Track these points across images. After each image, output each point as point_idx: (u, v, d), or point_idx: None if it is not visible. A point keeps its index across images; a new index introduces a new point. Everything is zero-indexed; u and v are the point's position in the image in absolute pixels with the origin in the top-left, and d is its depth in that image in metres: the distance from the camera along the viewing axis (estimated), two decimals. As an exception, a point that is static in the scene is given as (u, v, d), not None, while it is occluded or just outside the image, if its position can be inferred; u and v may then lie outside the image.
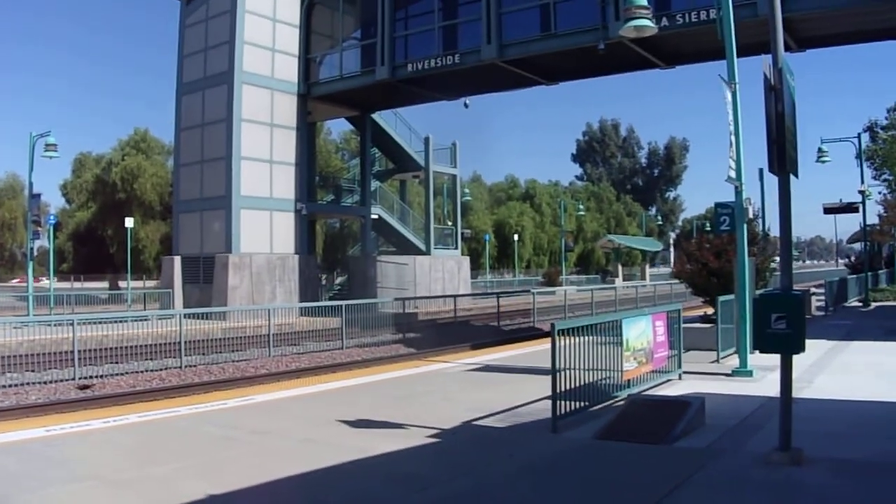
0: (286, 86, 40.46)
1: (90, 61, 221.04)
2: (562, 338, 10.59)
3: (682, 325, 15.31)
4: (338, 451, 9.58)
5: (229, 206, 37.71)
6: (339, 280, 53.87)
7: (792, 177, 8.94)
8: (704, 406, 10.63)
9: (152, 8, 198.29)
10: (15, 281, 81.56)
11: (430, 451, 9.84)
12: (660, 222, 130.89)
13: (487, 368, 18.03)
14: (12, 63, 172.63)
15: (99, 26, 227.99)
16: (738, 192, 15.11)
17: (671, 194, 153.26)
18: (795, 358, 8.64)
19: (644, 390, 12.82)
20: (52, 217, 51.73)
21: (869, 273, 40.75)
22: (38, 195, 40.67)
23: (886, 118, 51.75)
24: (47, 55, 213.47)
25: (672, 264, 71.17)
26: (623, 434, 9.88)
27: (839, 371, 15.50)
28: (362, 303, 33.14)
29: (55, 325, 26.48)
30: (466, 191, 72.14)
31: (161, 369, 24.03)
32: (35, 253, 42.33)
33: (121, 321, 28.08)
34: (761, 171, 34.19)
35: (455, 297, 40.31)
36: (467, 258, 57.01)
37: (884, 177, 51.37)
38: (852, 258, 62.15)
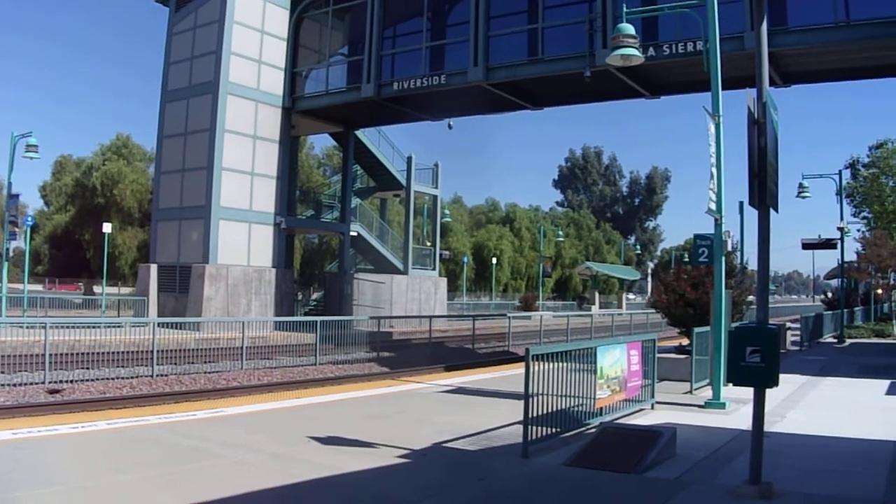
0: (271, 98, 40.41)
1: (79, 54, 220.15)
2: (536, 363, 10.58)
3: (657, 355, 15.33)
4: (307, 468, 9.51)
5: (208, 216, 37.57)
6: (315, 296, 53.74)
7: (771, 211, 8.97)
8: (676, 437, 10.62)
9: (146, 5, 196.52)
10: None
11: (400, 471, 9.79)
12: (638, 251, 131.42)
13: (460, 391, 17.99)
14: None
15: (90, 19, 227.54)
16: (718, 225, 15.16)
17: (651, 224, 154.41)
18: (769, 392, 8.66)
19: (616, 419, 12.81)
20: (29, 218, 51.28)
21: (845, 310, 40.93)
22: (17, 196, 40.42)
23: (868, 156, 52.21)
24: (33, 45, 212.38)
25: (649, 293, 71.32)
26: (593, 462, 9.85)
27: (812, 406, 15.53)
28: (337, 319, 32.97)
29: (27, 327, 26.24)
30: (447, 212, 72.24)
31: (132, 377, 23.85)
32: (10, 254, 41.99)
33: (94, 327, 27.86)
34: (741, 203, 34.37)
35: (431, 317, 40.19)
36: (444, 279, 56.96)
37: (863, 214, 51.79)
38: (829, 294, 62.47)
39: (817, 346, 33.62)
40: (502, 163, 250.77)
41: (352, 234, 46.88)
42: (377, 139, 48.82)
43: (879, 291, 55.56)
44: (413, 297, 49.60)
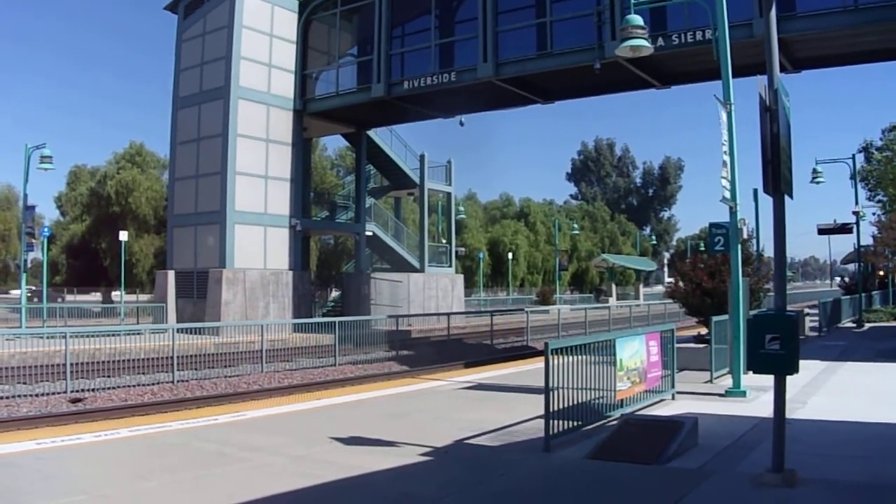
0: (282, 101, 40.49)
1: (90, 66, 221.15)
2: (555, 357, 10.57)
3: (676, 345, 15.30)
4: (330, 469, 9.53)
5: (223, 220, 37.70)
6: (332, 296, 53.83)
7: (786, 197, 8.95)
8: (697, 426, 10.60)
9: (154, 15, 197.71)
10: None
11: (423, 469, 9.80)
12: (654, 242, 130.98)
13: (480, 387, 17.99)
14: (8, 65, 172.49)
15: (99, 30, 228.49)
16: (733, 213, 15.12)
17: (665, 214, 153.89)
18: (789, 378, 8.63)
19: (637, 410, 12.80)
20: (46, 229, 51.60)
21: (863, 294, 40.73)
22: (33, 207, 40.65)
23: (881, 139, 51.89)
24: (44, 58, 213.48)
25: (666, 284, 71.10)
26: (616, 454, 9.84)
27: (833, 392, 15.47)
28: (356, 319, 33.02)
29: (47, 337, 26.35)
30: (461, 208, 72.01)
31: (153, 384, 23.92)
32: (29, 265, 42.22)
33: (113, 335, 27.98)
34: (756, 191, 34.21)
35: (449, 314, 40.21)
36: (461, 276, 56.98)
37: (878, 198, 51.49)
38: (846, 279, 62.20)
39: (836, 331, 33.46)
40: (515, 158, 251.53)
41: (367, 233, 46.94)
42: (389, 138, 48.86)
43: (882, 273, 55.46)
44: (430, 294, 49.64)
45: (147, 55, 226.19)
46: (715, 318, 17.56)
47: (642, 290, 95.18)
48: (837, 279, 78.67)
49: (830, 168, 39.74)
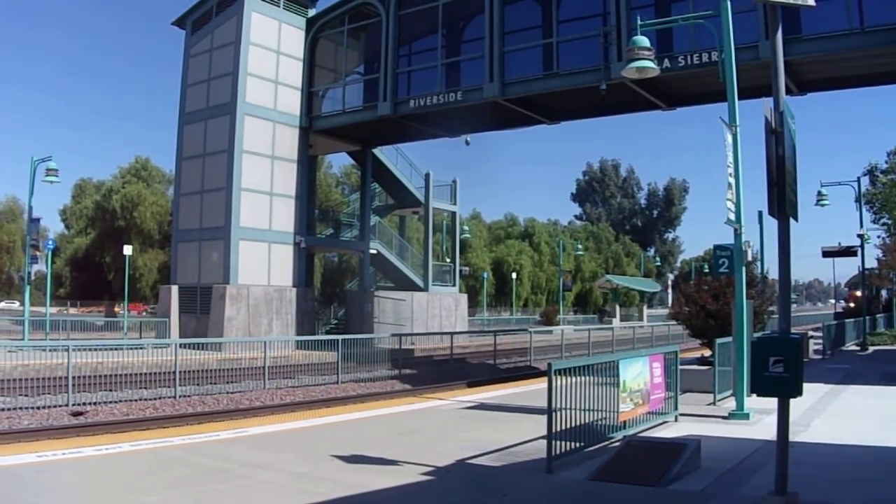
0: (288, 118, 40.57)
1: (96, 81, 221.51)
2: (558, 377, 10.56)
3: (679, 367, 15.27)
4: (332, 487, 9.50)
5: (228, 236, 37.72)
6: (336, 314, 53.80)
7: (791, 220, 8.93)
8: (700, 449, 10.58)
9: (162, 30, 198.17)
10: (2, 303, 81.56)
11: (424, 488, 9.77)
12: (658, 263, 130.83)
13: (483, 406, 17.96)
14: (14, 78, 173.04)
15: (106, 46, 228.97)
16: (738, 235, 15.11)
17: (670, 235, 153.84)
18: (793, 401, 8.60)
19: (640, 432, 12.76)
20: (50, 242, 51.50)
21: (867, 317, 40.65)
22: (38, 220, 40.67)
23: (886, 162, 51.91)
24: (51, 72, 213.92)
25: (670, 305, 70.99)
26: (618, 475, 9.82)
27: (836, 415, 15.43)
28: (359, 338, 32.97)
29: (50, 350, 26.34)
30: (466, 228, 72.02)
31: (155, 398, 23.90)
32: (32, 277, 42.24)
33: (116, 349, 27.95)
34: (760, 213, 34.21)
35: (452, 334, 40.15)
36: (465, 295, 56.88)
37: (883, 220, 51.45)
38: (850, 303, 62.09)
39: (840, 354, 33.40)
40: (520, 178, 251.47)
41: (371, 251, 46.92)
42: (395, 157, 48.85)
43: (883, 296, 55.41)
44: (434, 313, 49.54)
45: (154, 70, 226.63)
46: (719, 341, 17.54)
47: (646, 311, 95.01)
48: (833, 301, 78.60)
49: (835, 191, 39.72)
